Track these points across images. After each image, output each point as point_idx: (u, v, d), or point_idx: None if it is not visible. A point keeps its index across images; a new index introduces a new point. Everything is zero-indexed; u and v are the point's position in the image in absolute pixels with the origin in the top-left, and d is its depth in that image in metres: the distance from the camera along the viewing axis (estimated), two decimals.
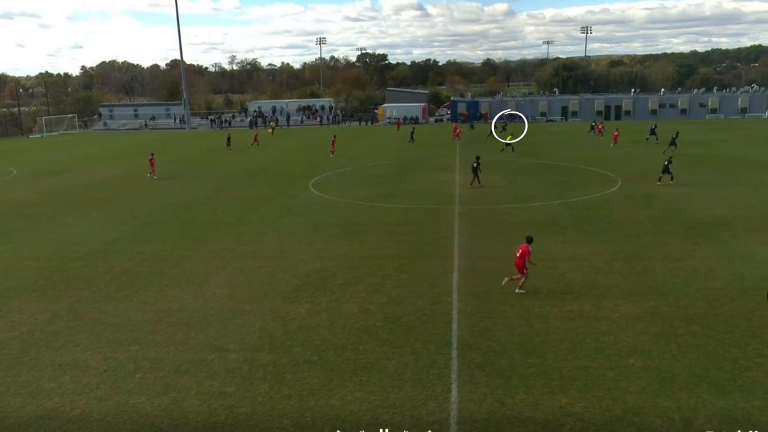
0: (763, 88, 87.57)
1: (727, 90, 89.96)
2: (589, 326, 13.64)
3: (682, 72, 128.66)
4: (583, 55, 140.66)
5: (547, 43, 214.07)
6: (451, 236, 21.99)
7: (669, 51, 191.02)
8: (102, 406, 10.86)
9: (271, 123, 76.77)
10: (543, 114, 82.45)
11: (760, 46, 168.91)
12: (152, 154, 39.60)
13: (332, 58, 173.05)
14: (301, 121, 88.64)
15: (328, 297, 16.02)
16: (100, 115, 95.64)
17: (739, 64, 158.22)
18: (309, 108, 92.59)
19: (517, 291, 15.76)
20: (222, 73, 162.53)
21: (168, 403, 10.92)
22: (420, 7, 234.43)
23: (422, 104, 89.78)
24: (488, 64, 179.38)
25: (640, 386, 10.98)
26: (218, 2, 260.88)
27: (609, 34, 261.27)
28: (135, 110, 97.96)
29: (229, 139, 54.84)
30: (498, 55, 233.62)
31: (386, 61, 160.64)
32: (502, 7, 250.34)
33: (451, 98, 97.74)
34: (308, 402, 10.80)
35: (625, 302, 14.99)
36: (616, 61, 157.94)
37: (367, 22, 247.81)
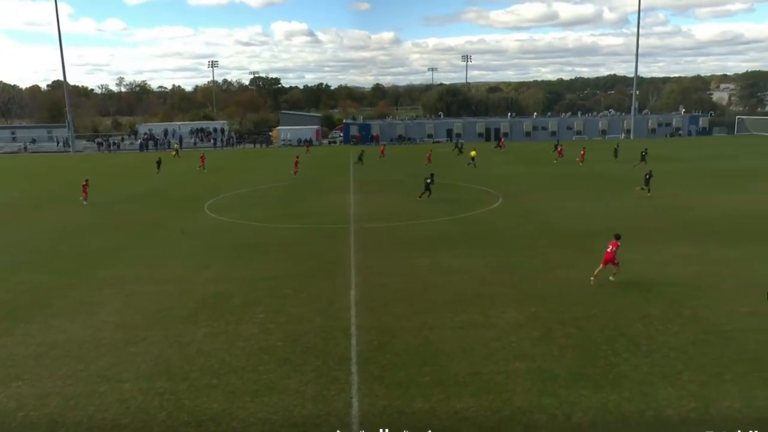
0: (618, 113, 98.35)
1: (590, 114, 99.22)
2: (479, 334, 14.48)
3: (551, 98, 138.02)
4: (464, 81, 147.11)
5: (432, 69, 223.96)
6: (348, 254, 22.42)
7: (539, 78, 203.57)
8: None
9: (175, 146, 74.02)
10: (430, 136, 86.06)
11: (615, 75, 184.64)
12: (86, 180, 36.93)
13: (225, 81, 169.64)
14: (195, 144, 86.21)
15: (227, 319, 15.84)
16: None
17: (598, 91, 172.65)
18: (202, 130, 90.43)
19: (611, 278, 18.08)
20: (109, 95, 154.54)
21: None
22: (310, 33, 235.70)
23: (316, 127, 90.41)
24: (378, 89, 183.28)
25: (525, 387, 11.81)
26: (103, 23, 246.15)
27: (487, 63, 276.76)
28: (13, 132, 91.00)
29: (159, 162, 52.00)
30: (387, 80, 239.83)
31: (279, 85, 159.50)
32: (388, 35, 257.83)
33: (344, 121, 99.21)
34: (208, 427, 10.67)
35: (510, 310, 16.03)
36: (493, 88, 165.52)
37: (259, 47, 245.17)
